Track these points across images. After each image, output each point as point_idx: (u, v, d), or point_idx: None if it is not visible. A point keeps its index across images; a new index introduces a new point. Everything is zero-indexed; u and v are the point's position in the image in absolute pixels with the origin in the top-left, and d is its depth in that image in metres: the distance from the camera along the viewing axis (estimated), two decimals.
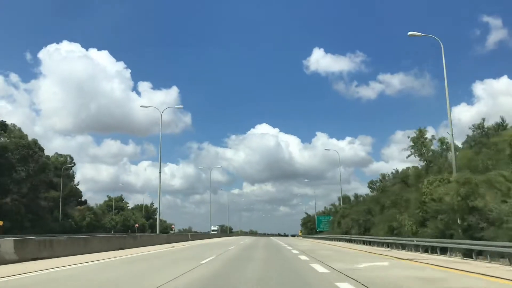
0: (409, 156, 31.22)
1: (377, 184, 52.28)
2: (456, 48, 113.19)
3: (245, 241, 42.08)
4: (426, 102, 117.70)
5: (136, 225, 77.40)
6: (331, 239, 44.27)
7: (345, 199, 56.56)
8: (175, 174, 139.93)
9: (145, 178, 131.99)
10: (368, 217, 37.20)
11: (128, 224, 78.16)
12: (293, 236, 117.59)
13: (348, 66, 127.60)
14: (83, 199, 68.97)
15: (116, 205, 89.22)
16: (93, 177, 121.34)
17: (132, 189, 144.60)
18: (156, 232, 36.38)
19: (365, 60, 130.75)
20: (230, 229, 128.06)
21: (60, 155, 61.40)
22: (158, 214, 40.28)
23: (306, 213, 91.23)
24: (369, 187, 52.84)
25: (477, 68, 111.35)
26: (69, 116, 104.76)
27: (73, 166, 60.96)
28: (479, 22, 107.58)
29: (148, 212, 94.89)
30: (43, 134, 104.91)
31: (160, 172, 37.68)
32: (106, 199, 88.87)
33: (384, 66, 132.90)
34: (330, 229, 57.67)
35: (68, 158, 60.83)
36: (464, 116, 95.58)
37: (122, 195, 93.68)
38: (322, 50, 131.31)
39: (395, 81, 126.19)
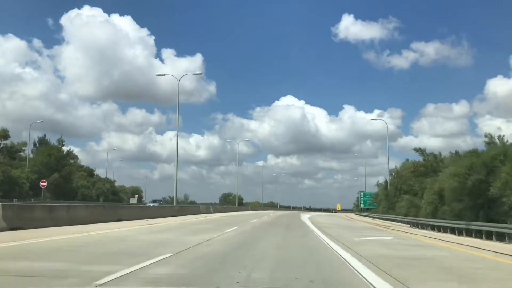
0: None
1: None
2: (496, 14, 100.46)
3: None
4: (461, 73, 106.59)
5: (43, 184, 41.76)
6: None
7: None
8: (200, 145, 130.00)
9: (170, 148, 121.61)
10: None
11: (18, 182, 44.88)
12: (330, 211, 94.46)
13: (380, 33, 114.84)
14: None
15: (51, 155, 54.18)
16: (119, 146, 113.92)
17: (158, 159, 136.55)
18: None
19: (398, 26, 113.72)
20: (241, 198, 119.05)
21: None
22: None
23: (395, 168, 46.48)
24: None
25: None
26: (92, 83, 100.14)
27: None
28: None
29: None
30: (69, 102, 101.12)
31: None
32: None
33: (418, 33, 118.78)
34: None
35: None
36: (501, 89, 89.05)
37: (63, 139, 60.59)
38: (352, 16, 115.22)
39: (429, 50, 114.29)
